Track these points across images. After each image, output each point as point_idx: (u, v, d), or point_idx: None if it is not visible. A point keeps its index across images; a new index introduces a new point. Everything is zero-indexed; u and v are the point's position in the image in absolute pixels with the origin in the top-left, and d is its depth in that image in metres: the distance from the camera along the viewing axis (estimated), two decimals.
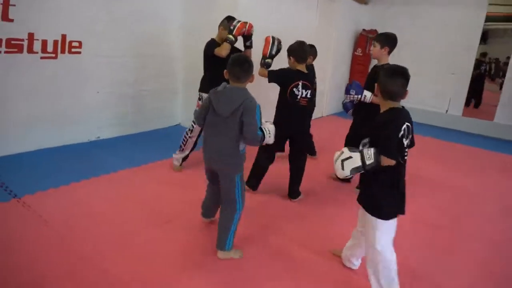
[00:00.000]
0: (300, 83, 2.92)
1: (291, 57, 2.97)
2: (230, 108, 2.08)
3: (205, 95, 3.24)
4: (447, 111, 6.66)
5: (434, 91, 6.60)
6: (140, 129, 4.57)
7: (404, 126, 1.79)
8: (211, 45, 3.25)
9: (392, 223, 1.92)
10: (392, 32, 3.17)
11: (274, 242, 2.50)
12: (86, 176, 3.20)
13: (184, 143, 3.46)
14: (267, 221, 2.76)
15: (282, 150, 3.31)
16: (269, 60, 3.07)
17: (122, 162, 3.58)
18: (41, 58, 3.49)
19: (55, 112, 3.74)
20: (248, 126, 2.06)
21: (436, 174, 4.14)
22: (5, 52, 3.26)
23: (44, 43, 3.49)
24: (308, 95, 2.97)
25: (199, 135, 3.41)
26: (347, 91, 3.14)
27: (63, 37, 3.60)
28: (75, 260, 2.12)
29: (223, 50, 3.11)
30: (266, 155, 3.12)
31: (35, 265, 2.05)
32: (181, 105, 4.98)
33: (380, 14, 7.02)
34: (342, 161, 1.84)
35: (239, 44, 3.27)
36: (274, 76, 2.95)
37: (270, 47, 3.06)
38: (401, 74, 1.84)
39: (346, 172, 1.83)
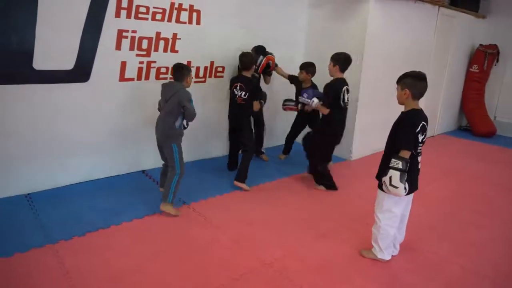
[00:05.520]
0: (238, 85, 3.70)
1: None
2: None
3: None
4: None
5: None
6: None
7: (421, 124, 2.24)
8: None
9: None
10: None
11: None
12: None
13: None
14: None
15: None
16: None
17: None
18: (195, 82, 4.05)
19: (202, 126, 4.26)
20: None
21: None
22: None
23: (197, 69, 4.06)
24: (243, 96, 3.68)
25: None
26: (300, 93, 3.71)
27: (211, 63, 4.15)
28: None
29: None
30: None
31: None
32: None
33: (500, 27, 6.60)
34: (392, 185, 2.23)
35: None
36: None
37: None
38: (425, 79, 2.27)
39: (401, 186, 2.20)
